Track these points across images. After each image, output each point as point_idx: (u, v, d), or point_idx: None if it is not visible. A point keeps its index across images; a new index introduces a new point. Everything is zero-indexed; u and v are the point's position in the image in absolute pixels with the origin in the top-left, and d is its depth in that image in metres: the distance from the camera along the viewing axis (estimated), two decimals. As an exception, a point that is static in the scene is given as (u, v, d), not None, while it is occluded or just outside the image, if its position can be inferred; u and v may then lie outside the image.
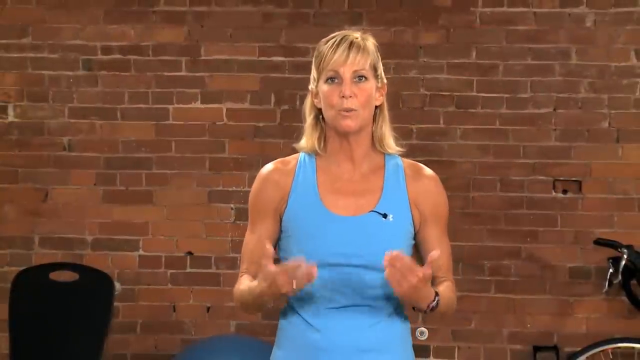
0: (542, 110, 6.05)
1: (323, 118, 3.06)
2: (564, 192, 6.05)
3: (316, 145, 3.05)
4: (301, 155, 3.09)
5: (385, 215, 3.01)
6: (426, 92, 6.09)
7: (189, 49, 6.20)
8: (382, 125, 3.09)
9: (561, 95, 6.05)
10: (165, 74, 6.20)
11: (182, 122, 6.19)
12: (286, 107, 6.09)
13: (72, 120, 6.23)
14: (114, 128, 6.23)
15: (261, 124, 6.13)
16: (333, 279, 2.98)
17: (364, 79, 2.99)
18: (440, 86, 6.10)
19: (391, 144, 3.09)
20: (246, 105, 6.15)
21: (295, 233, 3.02)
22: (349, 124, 2.97)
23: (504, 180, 6.06)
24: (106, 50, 6.23)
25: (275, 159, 3.15)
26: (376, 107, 3.07)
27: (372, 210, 3.02)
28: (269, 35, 6.16)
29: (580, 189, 6.02)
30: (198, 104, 6.19)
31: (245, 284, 3.01)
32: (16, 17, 6.24)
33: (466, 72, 6.09)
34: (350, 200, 3.03)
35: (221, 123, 6.18)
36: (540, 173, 6.05)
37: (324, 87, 3.00)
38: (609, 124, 6.03)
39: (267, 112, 6.13)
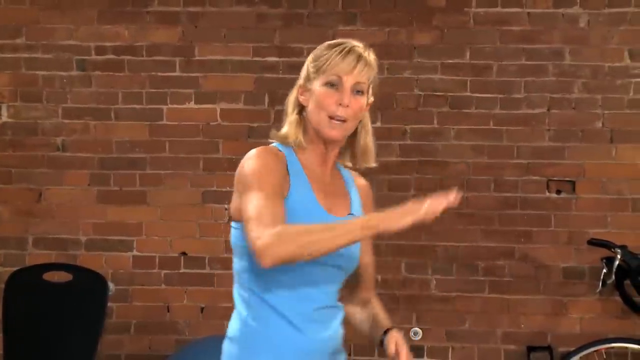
0: (536, 111, 6.06)
1: (303, 114, 3.06)
2: (558, 192, 6.06)
3: (302, 141, 3.03)
4: (279, 147, 3.04)
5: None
6: (420, 93, 6.10)
7: (183, 50, 6.20)
8: (365, 137, 3.10)
9: (555, 95, 6.05)
10: (159, 74, 6.20)
11: (176, 123, 6.19)
12: (280, 107, 6.01)
13: (66, 121, 6.23)
14: (108, 128, 6.22)
15: (255, 125, 6.13)
16: (321, 277, 2.97)
17: (360, 92, 3.01)
18: (434, 86, 6.10)
19: (373, 157, 3.12)
20: (240, 106, 6.15)
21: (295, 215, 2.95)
22: (335, 134, 2.99)
23: (498, 181, 6.07)
24: (100, 50, 6.23)
25: None
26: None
27: (350, 213, 3.05)
28: (263, 36, 6.16)
29: (574, 189, 6.03)
30: (192, 105, 6.19)
31: (308, 226, 2.82)
32: (10, 17, 6.24)
33: (460, 72, 6.09)
34: (333, 201, 3.03)
35: (215, 123, 6.18)
36: (534, 173, 6.06)
37: (320, 89, 2.99)
38: (603, 124, 6.04)
39: (261, 113, 6.13)
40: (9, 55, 6.25)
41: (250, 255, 2.85)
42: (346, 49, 3.01)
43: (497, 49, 6.08)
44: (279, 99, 6.07)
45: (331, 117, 2.97)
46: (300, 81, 3.07)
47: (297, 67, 6.31)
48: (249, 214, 2.83)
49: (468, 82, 6.09)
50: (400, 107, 6.12)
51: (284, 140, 3.04)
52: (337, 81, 2.98)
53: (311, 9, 6.16)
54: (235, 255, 3.00)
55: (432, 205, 2.77)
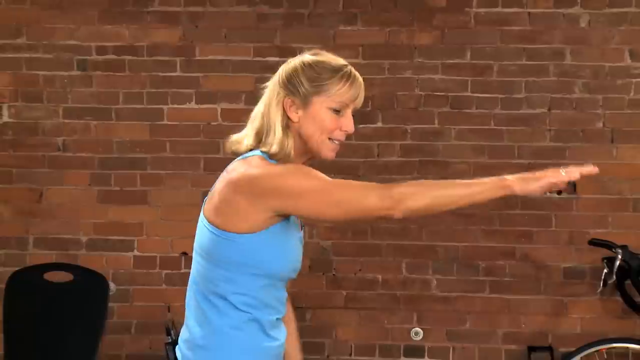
0: (537, 111, 6.06)
1: (288, 129, 3.02)
2: (559, 192, 6.03)
3: (292, 156, 3.01)
4: (266, 158, 3.00)
5: (302, 227, 3.16)
6: (421, 93, 6.10)
7: (184, 50, 6.20)
8: None
9: (555, 95, 6.05)
10: (160, 74, 6.20)
11: (176, 123, 6.19)
12: (281, 107, 6.08)
13: (67, 121, 6.23)
14: (109, 128, 6.22)
15: (256, 125, 6.12)
16: (283, 288, 3.08)
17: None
18: (434, 86, 6.10)
19: None
20: (241, 106, 6.14)
21: (278, 240, 2.97)
22: (333, 155, 3.03)
23: (499, 181, 6.06)
24: (101, 50, 6.23)
25: None
26: None
27: (303, 225, 3.14)
28: (264, 36, 6.16)
29: (574, 190, 6.02)
30: (193, 104, 6.19)
31: (441, 181, 2.99)
32: (11, 17, 6.24)
33: (461, 72, 6.09)
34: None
35: (216, 123, 6.18)
36: (534, 173, 6.05)
37: (325, 112, 2.99)
38: (604, 124, 6.04)
39: (262, 113, 6.12)
40: (10, 55, 6.25)
41: (231, 264, 2.91)
42: (351, 76, 3.03)
43: (497, 49, 6.08)
44: (279, 99, 6.10)
45: (331, 140, 3.01)
46: (291, 94, 3.03)
47: (298, 67, 6.25)
48: (339, 190, 2.88)
49: (469, 82, 6.09)
50: (401, 107, 6.12)
51: (274, 155, 2.99)
52: (342, 108, 3.00)
53: (312, 9, 6.16)
54: (209, 262, 2.97)
55: (568, 173, 2.86)
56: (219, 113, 6.17)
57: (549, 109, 6.06)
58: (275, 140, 2.98)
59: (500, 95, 6.07)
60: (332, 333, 6.15)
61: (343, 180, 2.96)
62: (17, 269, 5.94)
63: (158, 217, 6.20)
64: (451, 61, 6.10)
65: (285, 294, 3.11)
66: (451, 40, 6.10)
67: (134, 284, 6.20)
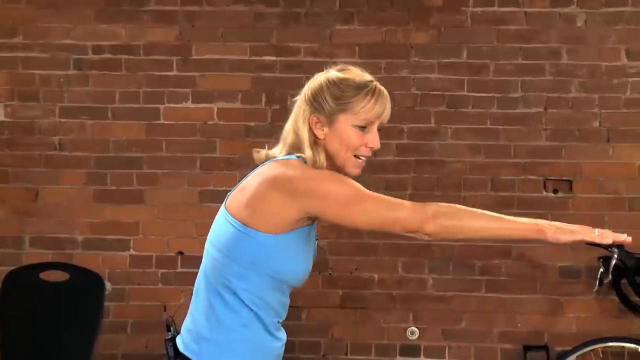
0: (533, 110, 6.06)
1: (317, 145, 3.06)
2: (555, 191, 6.06)
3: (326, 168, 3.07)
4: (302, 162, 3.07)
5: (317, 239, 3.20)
6: (417, 92, 6.10)
7: (180, 49, 6.20)
8: None
9: (552, 94, 6.06)
10: (156, 73, 6.20)
11: (173, 122, 6.19)
12: (277, 106, 6.09)
13: (63, 120, 6.22)
14: (105, 127, 6.22)
15: (252, 124, 6.13)
16: (288, 294, 3.13)
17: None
18: (431, 86, 6.10)
19: None
20: (237, 105, 6.14)
21: (296, 247, 3.01)
22: (358, 172, 3.08)
23: (495, 180, 6.07)
24: (97, 49, 6.22)
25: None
26: None
27: (317, 238, 3.17)
28: (260, 35, 6.16)
29: (570, 189, 6.03)
30: (189, 104, 6.19)
31: (477, 210, 2.96)
32: (6, 16, 6.23)
33: (457, 71, 6.10)
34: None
35: (212, 122, 6.17)
36: (530, 173, 6.06)
37: (350, 130, 3.03)
38: (600, 123, 6.04)
39: (258, 112, 6.13)
40: (6, 55, 6.24)
41: (246, 261, 2.94)
42: (376, 92, 3.06)
43: (494, 48, 6.09)
44: (276, 98, 6.10)
45: (357, 157, 3.05)
46: (316, 112, 3.06)
47: (294, 66, 6.34)
48: (372, 200, 2.91)
49: (465, 82, 6.09)
50: (397, 106, 6.12)
51: (313, 164, 3.04)
52: (368, 124, 3.04)
53: (308, 8, 6.16)
54: (225, 256, 3.00)
55: (601, 234, 2.86)
56: (215, 112, 6.17)
57: (545, 108, 6.06)
58: (307, 156, 3.03)
59: (497, 95, 6.08)
60: (328, 332, 6.16)
61: (378, 193, 2.97)
62: (13, 268, 5.93)
63: (154, 217, 6.20)
64: (447, 60, 6.10)
65: (288, 300, 3.14)
66: (447, 39, 6.11)
67: (130, 284, 6.20)
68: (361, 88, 3.04)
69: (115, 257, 6.20)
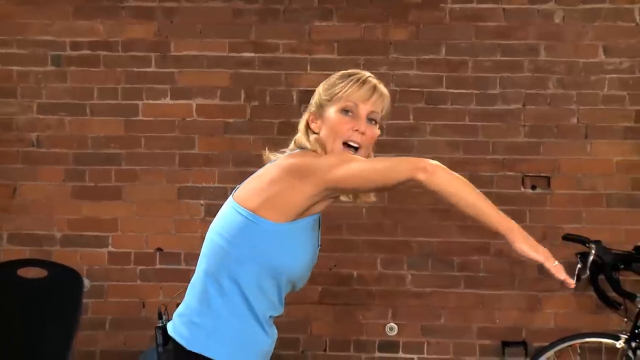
0: (511, 106, 6.08)
1: (317, 143, 3.10)
2: (533, 187, 6.08)
3: None
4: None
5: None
6: (396, 88, 6.10)
7: (159, 45, 6.19)
8: None
9: (530, 91, 6.08)
10: (135, 69, 6.18)
11: (151, 118, 6.18)
12: (256, 103, 6.09)
13: (41, 116, 6.20)
14: (83, 124, 6.20)
15: (231, 120, 6.12)
16: (285, 291, 3.18)
17: (374, 122, 3.11)
18: (410, 82, 6.11)
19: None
20: (216, 101, 6.14)
21: (300, 240, 3.05)
22: None
23: (474, 176, 6.07)
24: (75, 46, 6.20)
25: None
26: None
27: (320, 245, 3.21)
28: (239, 31, 6.15)
29: (548, 185, 6.05)
30: (168, 100, 6.18)
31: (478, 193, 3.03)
32: (-16, 12, 6.21)
33: (436, 68, 6.11)
34: None
35: (191, 119, 6.16)
36: (509, 169, 6.08)
37: (335, 115, 3.07)
38: (578, 120, 6.06)
39: (237, 108, 6.12)
40: (-17, 51, 6.22)
41: (249, 248, 2.97)
42: (362, 79, 3.10)
43: (472, 44, 6.10)
44: (254, 95, 6.10)
45: (345, 143, 3.06)
46: (312, 108, 3.14)
47: (273, 63, 6.32)
48: (378, 160, 2.98)
49: (444, 78, 6.10)
50: (376, 103, 6.12)
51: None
52: (352, 108, 3.07)
53: (287, 4, 6.15)
54: (229, 243, 3.01)
55: (556, 268, 2.84)
56: (194, 109, 6.16)
57: (524, 105, 6.08)
58: (308, 148, 3.10)
59: (475, 91, 6.09)
60: (307, 328, 6.16)
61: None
62: (-10, 265, 5.92)
63: (133, 213, 6.18)
64: (426, 57, 6.11)
65: (284, 297, 3.18)
66: (426, 36, 6.12)
67: (109, 280, 6.18)
68: (349, 76, 3.11)
69: (93, 254, 6.18)
